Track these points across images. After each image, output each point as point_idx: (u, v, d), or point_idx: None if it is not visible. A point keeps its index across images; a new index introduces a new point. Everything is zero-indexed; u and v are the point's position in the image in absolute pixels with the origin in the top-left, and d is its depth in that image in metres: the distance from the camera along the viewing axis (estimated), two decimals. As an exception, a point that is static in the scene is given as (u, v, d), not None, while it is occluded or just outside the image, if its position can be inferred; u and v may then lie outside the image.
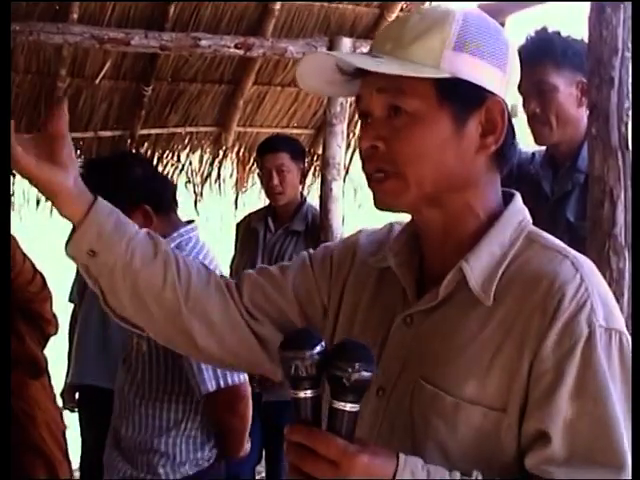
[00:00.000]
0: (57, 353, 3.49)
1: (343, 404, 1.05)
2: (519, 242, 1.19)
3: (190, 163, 5.33)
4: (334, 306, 1.32)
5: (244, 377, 2.29)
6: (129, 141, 5.01)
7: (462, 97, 1.15)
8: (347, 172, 5.06)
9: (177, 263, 1.32)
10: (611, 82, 2.16)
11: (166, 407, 2.28)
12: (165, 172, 5.13)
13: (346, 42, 4.25)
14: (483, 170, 1.20)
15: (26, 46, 4.29)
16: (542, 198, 2.51)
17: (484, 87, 1.16)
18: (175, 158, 5.27)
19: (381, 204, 1.20)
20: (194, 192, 5.34)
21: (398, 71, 1.13)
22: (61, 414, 2.98)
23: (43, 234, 6.20)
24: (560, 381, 1.09)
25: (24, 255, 2.72)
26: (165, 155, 5.22)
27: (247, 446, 2.41)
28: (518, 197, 1.25)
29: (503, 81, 1.18)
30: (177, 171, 5.28)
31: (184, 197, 4.98)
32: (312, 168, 5.36)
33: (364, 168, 1.20)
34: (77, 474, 3.56)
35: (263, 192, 4.13)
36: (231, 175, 5.45)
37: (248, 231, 3.99)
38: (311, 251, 1.40)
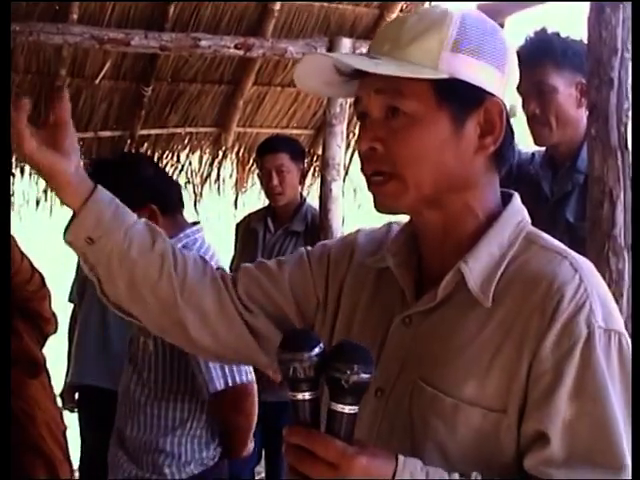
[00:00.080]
0: (57, 353, 3.49)
1: (342, 406, 1.05)
2: (518, 243, 1.19)
3: (190, 163, 5.32)
4: (332, 305, 1.32)
5: (251, 376, 2.30)
6: (129, 141, 5.01)
7: (460, 98, 1.15)
8: (347, 172, 5.05)
9: (174, 254, 1.32)
10: (610, 83, 2.16)
11: (172, 406, 2.29)
12: (165, 172, 5.13)
13: (346, 42, 4.25)
14: (482, 171, 1.20)
15: (26, 46, 4.29)
16: (542, 199, 2.51)
17: (482, 88, 1.16)
18: (175, 158, 5.26)
19: (381, 207, 1.20)
20: (194, 192, 5.34)
21: (396, 72, 1.13)
22: (61, 414, 2.98)
23: (43, 234, 6.20)
24: (559, 382, 1.09)
25: (22, 254, 2.72)
26: (165, 155, 5.22)
27: (250, 446, 2.42)
28: (517, 197, 1.25)
29: (502, 82, 1.18)
30: (177, 171, 5.28)
31: (184, 197, 4.97)
32: (312, 168, 5.36)
33: (363, 169, 1.20)
34: (77, 474, 3.56)
35: (263, 192, 4.13)
36: (231, 175, 5.45)
37: (248, 231, 3.99)
38: (309, 248, 1.40)
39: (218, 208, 5.59)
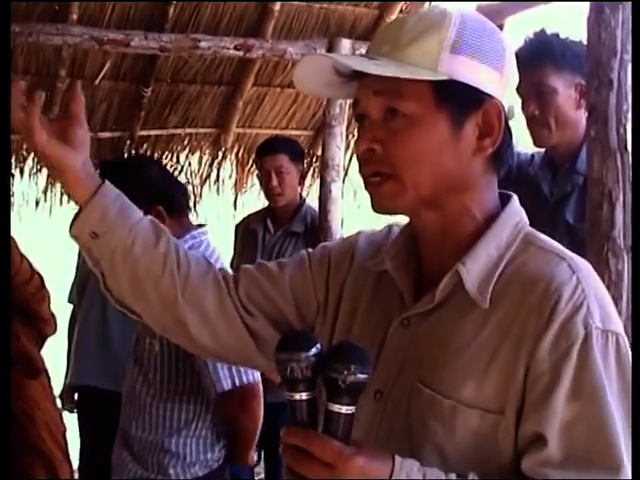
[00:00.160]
0: (56, 354, 3.49)
1: (339, 406, 1.05)
2: (516, 244, 1.19)
3: (189, 164, 5.33)
4: (332, 308, 1.32)
5: (258, 376, 2.32)
6: (128, 142, 5.01)
7: (459, 99, 1.15)
8: (346, 173, 5.05)
9: (177, 253, 1.33)
10: (610, 84, 2.16)
11: (177, 407, 2.31)
12: (164, 173, 5.13)
13: (345, 43, 4.24)
14: (480, 172, 1.20)
15: (25, 47, 4.29)
16: (541, 200, 2.51)
17: (481, 89, 1.16)
18: (174, 159, 5.26)
19: (378, 207, 1.20)
20: (193, 193, 5.33)
21: (395, 73, 1.13)
22: (61, 415, 2.98)
23: (42, 235, 6.20)
24: (556, 383, 1.09)
25: (22, 255, 2.72)
26: (164, 156, 5.21)
27: (254, 456, 2.43)
28: (515, 199, 1.25)
29: (500, 83, 1.18)
30: (176, 172, 5.27)
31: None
32: (311, 169, 5.36)
33: (361, 171, 1.20)
34: (77, 475, 3.55)
35: (262, 193, 4.13)
36: (230, 176, 5.45)
37: (247, 232, 3.99)
38: (310, 250, 1.40)
39: (217, 209, 5.59)
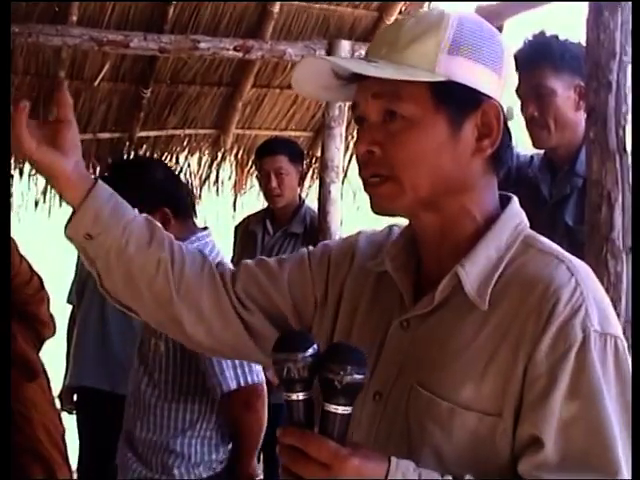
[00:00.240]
0: (55, 355, 3.48)
1: (335, 407, 1.05)
2: (515, 246, 1.18)
3: (189, 165, 5.33)
4: (332, 308, 1.32)
5: (262, 376, 2.33)
6: (128, 143, 5.01)
7: (458, 100, 1.15)
8: (345, 175, 5.05)
9: (172, 251, 1.33)
10: (609, 86, 2.16)
11: (182, 407, 2.32)
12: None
13: (345, 45, 4.25)
14: (479, 173, 1.20)
15: (25, 48, 4.29)
16: (540, 202, 2.51)
17: (480, 90, 1.16)
18: (174, 160, 5.26)
19: (377, 208, 1.20)
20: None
21: (393, 75, 1.13)
22: (60, 416, 2.98)
23: (41, 236, 6.20)
24: (554, 385, 1.08)
25: (21, 257, 2.72)
26: (164, 157, 5.22)
27: (257, 467, 2.43)
28: (515, 200, 1.24)
29: (499, 84, 1.18)
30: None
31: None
32: (311, 170, 5.36)
33: (360, 173, 1.20)
34: (75, 476, 3.55)
35: (261, 194, 4.14)
36: (229, 177, 5.45)
37: (246, 233, 3.99)
38: (311, 248, 1.40)
39: (217, 210, 5.59)
